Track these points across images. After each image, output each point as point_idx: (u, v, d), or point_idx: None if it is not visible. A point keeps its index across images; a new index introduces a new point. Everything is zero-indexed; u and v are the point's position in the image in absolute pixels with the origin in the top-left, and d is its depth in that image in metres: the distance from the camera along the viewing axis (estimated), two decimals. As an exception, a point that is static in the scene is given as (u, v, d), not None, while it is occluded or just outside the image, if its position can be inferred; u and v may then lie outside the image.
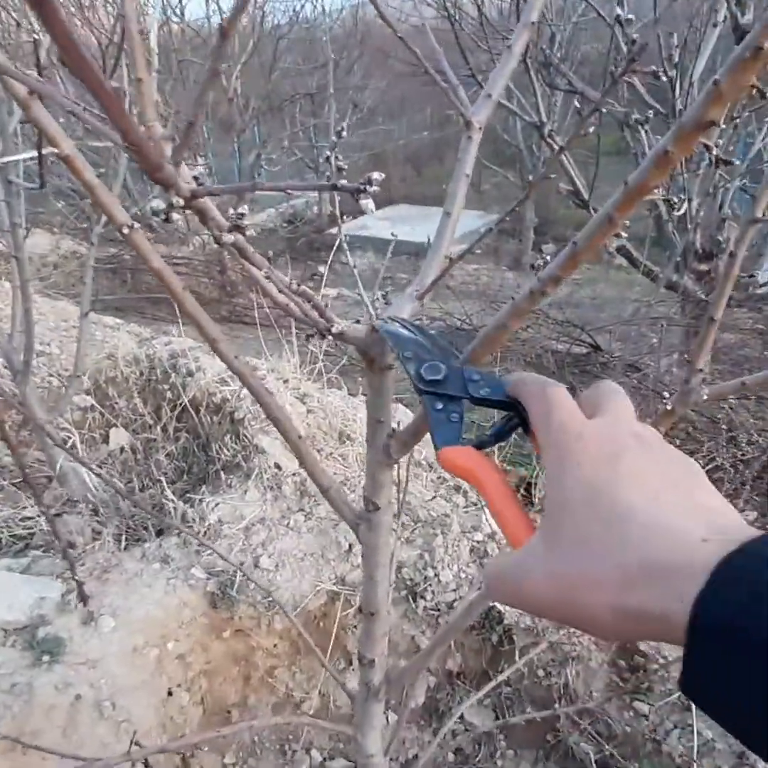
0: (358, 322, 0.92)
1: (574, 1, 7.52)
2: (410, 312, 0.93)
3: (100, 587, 2.14)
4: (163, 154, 0.40)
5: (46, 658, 1.91)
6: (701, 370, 0.85)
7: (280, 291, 0.63)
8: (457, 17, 6.69)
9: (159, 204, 0.40)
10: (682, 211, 5.13)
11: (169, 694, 2.13)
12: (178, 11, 9.70)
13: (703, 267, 5.78)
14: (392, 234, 1.20)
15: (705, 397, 0.84)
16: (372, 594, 1.14)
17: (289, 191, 0.44)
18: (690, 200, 5.22)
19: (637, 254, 5.81)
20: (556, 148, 4.75)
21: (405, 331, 0.66)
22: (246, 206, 0.52)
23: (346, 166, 1.05)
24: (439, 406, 0.56)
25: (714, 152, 0.62)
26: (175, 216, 0.41)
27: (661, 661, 2.02)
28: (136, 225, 0.86)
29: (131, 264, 8.86)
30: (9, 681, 1.84)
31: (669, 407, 0.85)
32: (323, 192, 12.54)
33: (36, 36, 1.15)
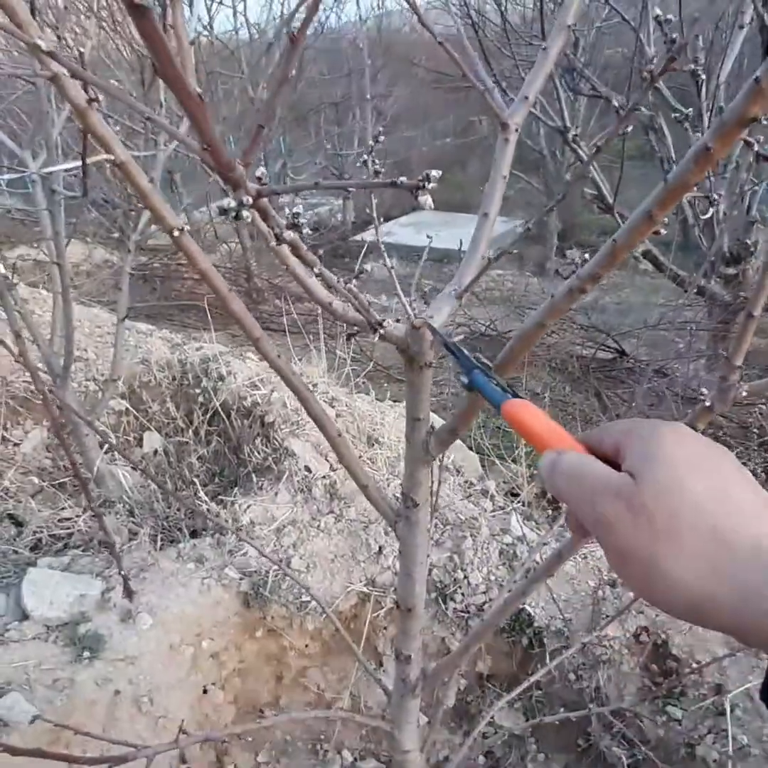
0: (398, 321, 0.94)
1: (597, 6, 7.51)
2: (450, 311, 0.95)
3: (137, 585, 2.19)
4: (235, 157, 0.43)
5: (86, 654, 1.96)
6: (740, 367, 0.86)
7: (328, 288, 0.66)
8: (480, 24, 6.73)
9: (230, 202, 0.43)
10: (709, 215, 5.09)
11: (204, 692, 2.17)
12: (206, 25, 9.87)
13: (731, 271, 5.70)
14: (428, 236, 1.23)
15: (744, 394, 0.85)
16: (409, 590, 1.16)
17: (351, 188, 0.46)
18: (717, 203, 5.18)
19: (664, 259, 5.77)
20: (581, 153, 4.75)
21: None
22: (300, 206, 0.55)
23: (382, 170, 1.08)
24: (485, 378, 0.68)
25: (755, 148, 0.63)
26: (244, 213, 0.43)
27: (695, 665, 2.00)
28: (186, 228, 0.90)
29: (161, 272, 9.02)
30: (51, 676, 1.89)
31: (708, 404, 0.86)
32: (348, 199, 12.59)
33: (82, 48, 1.20)
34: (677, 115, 0.88)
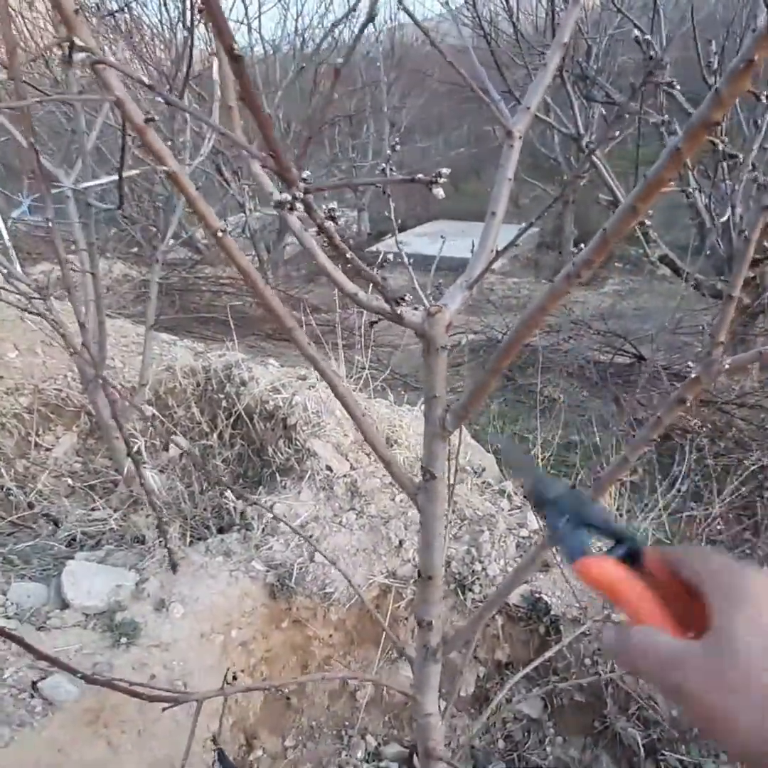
0: (415, 308, 1.04)
1: (610, 14, 7.60)
2: (461, 301, 1.05)
3: (170, 577, 2.30)
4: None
5: (123, 640, 2.07)
6: (722, 343, 0.95)
7: (359, 273, 0.76)
8: (493, 35, 6.86)
9: (285, 196, 0.53)
10: (726, 218, 5.14)
11: (234, 678, 2.27)
12: (222, 43, 10.09)
13: (749, 273, 5.74)
14: (441, 236, 1.33)
15: (726, 366, 0.94)
16: (429, 559, 1.25)
17: (379, 185, 0.57)
18: (733, 206, 5.23)
19: (681, 263, 5.82)
20: (595, 159, 4.84)
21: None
22: (335, 203, 0.65)
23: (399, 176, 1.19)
24: (563, 520, 0.60)
25: (720, 147, 0.72)
26: (298, 205, 0.54)
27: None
28: (228, 229, 1.01)
29: (179, 286, 9.22)
30: (91, 660, 2.01)
31: (694, 376, 0.96)
32: (363, 210, 12.75)
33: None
34: (655, 121, 0.98)
